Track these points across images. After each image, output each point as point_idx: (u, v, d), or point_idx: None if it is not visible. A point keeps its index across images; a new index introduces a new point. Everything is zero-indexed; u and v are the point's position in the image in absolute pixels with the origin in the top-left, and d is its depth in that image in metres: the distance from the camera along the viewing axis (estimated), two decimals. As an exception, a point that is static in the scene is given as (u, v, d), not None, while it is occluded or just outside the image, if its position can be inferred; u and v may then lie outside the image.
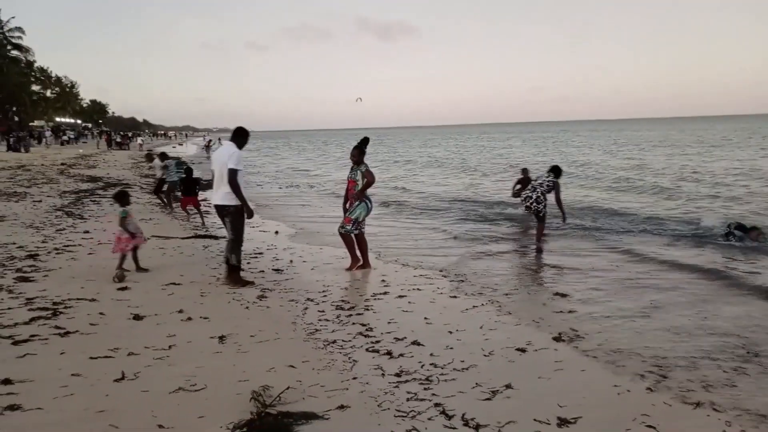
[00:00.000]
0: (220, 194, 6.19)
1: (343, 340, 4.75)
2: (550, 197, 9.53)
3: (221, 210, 6.25)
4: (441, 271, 7.47)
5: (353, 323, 5.23)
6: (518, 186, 12.97)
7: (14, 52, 63.71)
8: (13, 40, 63.19)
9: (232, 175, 6.07)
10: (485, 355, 4.47)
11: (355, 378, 3.97)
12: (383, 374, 4.04)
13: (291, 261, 7.88)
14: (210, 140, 50.88)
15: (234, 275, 6.41)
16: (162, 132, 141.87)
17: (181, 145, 77.11)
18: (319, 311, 5.58)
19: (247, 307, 5.65)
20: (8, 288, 5.88)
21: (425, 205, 15.46)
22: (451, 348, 4.62)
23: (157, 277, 6.62)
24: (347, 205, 7.35)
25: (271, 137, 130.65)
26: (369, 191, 7.35)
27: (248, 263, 7.49)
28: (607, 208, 14.29)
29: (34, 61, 69.74)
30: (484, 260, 8.30)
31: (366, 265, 7.44)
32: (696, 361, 4.44)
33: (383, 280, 6.87)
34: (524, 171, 13.58)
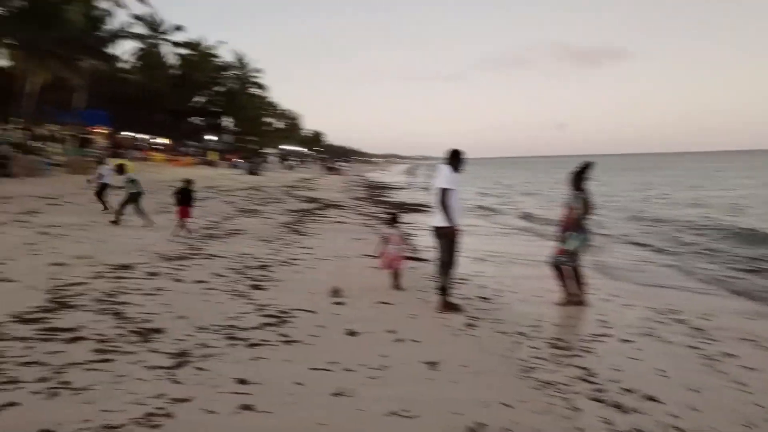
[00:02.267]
0: (436, 217, 6.20)
1: (561, 383, 4.29)
2: None
3: (436, 232, 6.24)
4: (675, 313, 6.51)
5: (571, 365, 4.73)
6: None
7: (254, 90, 74.22)
8: (254, 79, 73.70)
9: (443, 194, 6.04)
10: (745, 426, 3.65)
11: (581, 429, 3.50)
12: (614, 431, 3.51)
13: (498, 290, 7.56)
14: (412, 167, 53.14)
15: (443, 299, 6.32)
16: (369, 159, 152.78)
17: (385, 171, 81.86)
18: (531, 347, 5.17)
19: (455, 334, 5.48)
20: (245, 294, 6.54)
21: (658, 234, 13.91)
22: (698, 410, 3.86)
23: (370, 295, 6.82)
24: (562, 235, 6.82)
25: (477, 164, 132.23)
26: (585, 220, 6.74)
27: (455, 289, 7.36)
28: None
29: (269, 97, 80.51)
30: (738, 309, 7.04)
31: (582, 301, 6.80)
32: None
33: (602, 320, 6.18)
34: None
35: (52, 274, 6.71)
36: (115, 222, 11.62)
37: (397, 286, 7.13)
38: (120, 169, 13.08)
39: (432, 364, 4.53)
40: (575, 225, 6.64)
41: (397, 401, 3.78)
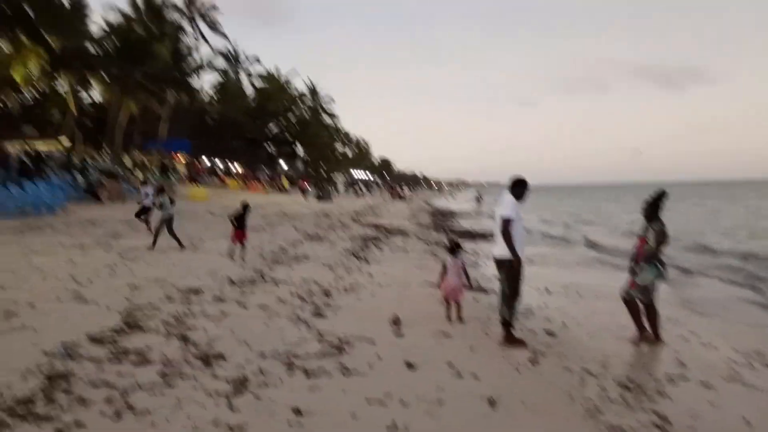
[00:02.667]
0: (498, 247, 6.05)
1: (632, 428, 4.01)
2: None
3: (498, 263, 6.08)
4: (762, 356, 5.98)
5: (643, 409, 4.41)
6: None
7: (326, 119, 76.45)
8: (325, 108, 75.97)
9: (505, 224, 5.89)
10: None
11: (652, 483, 3.24)
12: (690, 486, 3.22)
13: (564, 323, 7.25)
14: (479, 193, 52.60)
15: (506, 332, 6.12)
16: (436, 185, 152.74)
17: (452, 197, 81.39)
18: (599, 387, 4.88)
19: (517, 370, 5.26)
20: (306, 320, 6.61)
21: (741, 268, 12.98)
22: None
23: (430, 325, 6.71)
24: (635, 267, 6.47)
25: (543, 191, 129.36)
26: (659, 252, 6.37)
27: (518, 321, 7.12)
28: None
29: (340, 126, 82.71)
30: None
31: (655, 339, 6.38)
32: None
33: (680, 360, 5.76)
34: None
35: (127, 296, 7.07)
36: (152, 246, 11.79)
37: (458, 317, 6.97)
38: (159, 191, 13.41)
39: (491, 401, 4.36)
40: (649, 256, 6.29)
41: (453, 440, 3.65)
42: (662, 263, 6.36)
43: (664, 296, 9.19)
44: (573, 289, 10.00)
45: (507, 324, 6.10)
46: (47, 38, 31.06)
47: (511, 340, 6.07)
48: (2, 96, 35.31)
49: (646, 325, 6.42)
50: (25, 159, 23.83)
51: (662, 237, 6.27)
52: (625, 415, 4.26)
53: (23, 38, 30.75)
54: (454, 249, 7.27)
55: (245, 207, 11.74)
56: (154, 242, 11.90)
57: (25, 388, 3.95)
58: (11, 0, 27.42)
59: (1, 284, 7.29)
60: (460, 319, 6.97)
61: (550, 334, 6.69)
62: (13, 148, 30.48)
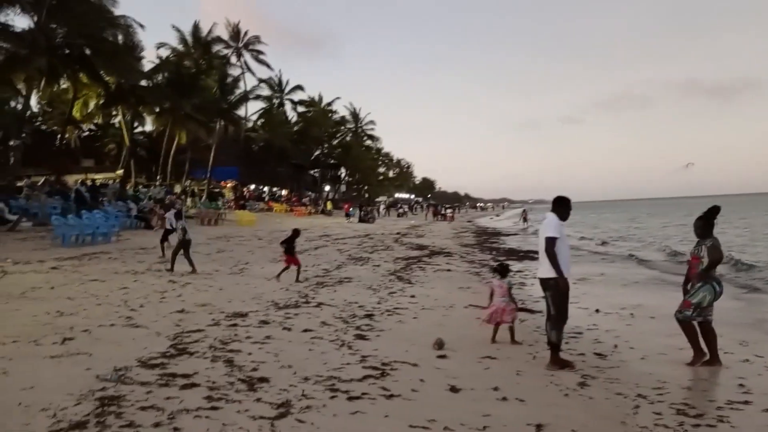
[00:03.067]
0: (543, 267, 5.92)
1: (690, 458, 3.80)
2: None
3: (543, 283, 5.95)
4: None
5: (702, 436, 4.18)
6: None
7: (368, 142, 77.33)
8: (368, 131, 76.89)
9: (548, 243, 5.77)
10: None
11: None
12: None
13: (615, 346, 6.99)
14: (525, 211, 51.72)
15: (553, 355, 5.95)
16: (479, 204, 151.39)
17: (498, 216, 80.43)
18: (654, 413, 4.66)
19: (566, 395, 5.09)
20: (348, 344, 6.60)
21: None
22: None
23: (474, 348, 6.59)
24: (689, 287, 6.20)
25: (588, 208, 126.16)
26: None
27: (567, 343, 6.89)
28: None
29: (381, 148, 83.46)
30: None
31: (714, 361, 6.07)
32: None
33: (741, 384, 5.45)
34: None
35: (176, 321, 7.25)
36: (170, 270, 11.97)
37: (512, 340, 6.88)
38: (178, 215, 13.72)
39: (538, 427, 4.23)
40: (703, 275, 6.02)
41: (498, 467, 3.54)
42: (718, 282, 6.08)
43: (736, 316, 8.79)
44: (625, 309, 9.64)
45: (554, 346, 5.93)
46: (104, 76, 32.83)
47: (558, 362, 5.89)
48: (64, 132, 37.36)
49: (704, 347, 6.12)
50: (82, 190, 25.00)
51: (716, 254, 6.01)
52: (683, 443, 4.05)
53: (83, 77, 32.62)
54: (501, 271, 7.16)
55: (295, 232, 12.09)
56: (172, 265, 12.15)
57: (79, 412, 4.08)
58: (72, 42, 29.13)
59: (60, 310, 7.61)
60: (514, 342, 6.86)
61: (601, 356, 6.47)
62: (73, 179, 32.13)
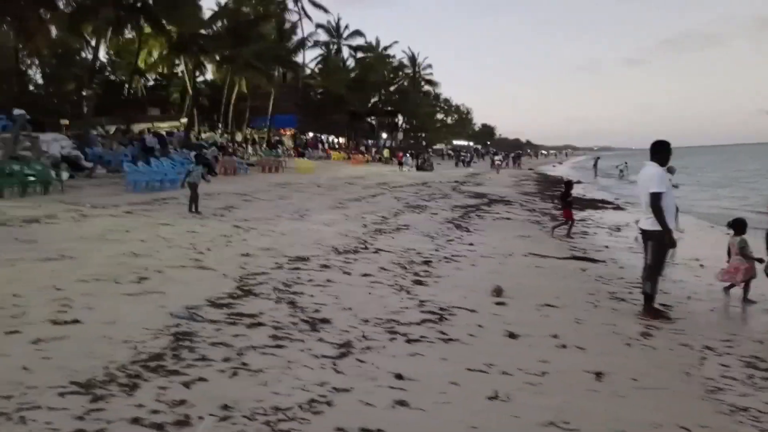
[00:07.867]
0: (646, 218, 5.79)
1: (758, 410, 3.70)
2: None
3: (646, 234, 5.81)
4: None
5: (772, 390, 4.04)
6: None
7: (426, 87, 75.78)
8: (426, 77, 75.25)
9: (654, 199, 5.59)
10: None
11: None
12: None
13: (689, 297, 6.76)
14: (598, 158, 49.72)
15: (646, 305, 5.87)
16: (542, 151, 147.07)
17: (561, 163, 78.06)
18: (722, 365, 4.54)
19: (628, 344, 5.01)
20: (407, 289, 6.70)
21: None
22: None
23: (534, 296, 6.55)
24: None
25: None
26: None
27: (630, 293, 6.76)
28: None
29: (440, 93, 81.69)
30: None
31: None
32: None
33: (820, 339, 5.19)
34: None
35: (241, 264, 7.55)
36: (194, 212, 12.52)
37: (744, 299, 6.58)
38: (198, 158, 14.60)
39: (597, 375, 4.20)
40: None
41: (556, 411, 3.57)
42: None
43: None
44: (698, 261, 9.25)
45: (648, 296, 5.87)
46: (166, 26, 33.42)
47: (653, 313, 5.82)
48: (131, 82, 38.62)
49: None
50: (148, 138, 26.00)
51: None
52: (751, 395, 3.94)
53: (146, 27, 33.34)
54: (736, 227, 6.87)
55: (568, 184, 12.54)
56: (196, 207, 12.71)
57: (157, 345, 4.38)
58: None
59: (135, 252, 8.06)
60: (746, 300, 6.56)
61: (666, 307, 6.28)
62: (140, 128, 33.37)
